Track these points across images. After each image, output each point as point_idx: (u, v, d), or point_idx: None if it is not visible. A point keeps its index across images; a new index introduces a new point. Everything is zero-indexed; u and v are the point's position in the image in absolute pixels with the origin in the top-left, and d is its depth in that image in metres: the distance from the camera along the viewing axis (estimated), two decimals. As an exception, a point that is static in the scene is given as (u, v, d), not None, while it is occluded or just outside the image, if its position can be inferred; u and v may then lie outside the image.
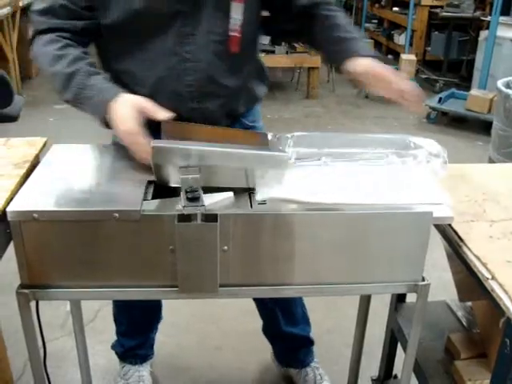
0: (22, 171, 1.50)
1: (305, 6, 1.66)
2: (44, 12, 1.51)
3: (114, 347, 2.26)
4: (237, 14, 1.54)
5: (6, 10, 5.54)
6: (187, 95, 1.59)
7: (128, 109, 1.36)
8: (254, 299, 2.12)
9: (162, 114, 1.37)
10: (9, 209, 1.25)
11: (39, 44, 1.51)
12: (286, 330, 2.17)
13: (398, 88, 1.51)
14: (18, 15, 6.01)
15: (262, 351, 2.41)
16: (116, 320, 2.19)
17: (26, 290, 1.32)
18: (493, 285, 1.25)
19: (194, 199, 1.22)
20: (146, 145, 1.32)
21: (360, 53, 1.55)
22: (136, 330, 2.21)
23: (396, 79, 1.50)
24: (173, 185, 1.33)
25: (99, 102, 1.40)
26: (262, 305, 2.15)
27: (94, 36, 1.57)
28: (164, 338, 2.44)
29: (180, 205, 1.23)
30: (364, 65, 1.53)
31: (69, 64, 1.45)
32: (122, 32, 1.53)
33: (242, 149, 1.34)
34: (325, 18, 1.64)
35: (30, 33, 1.55)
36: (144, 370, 2.27)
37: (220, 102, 1.64)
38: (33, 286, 1.32)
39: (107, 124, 1.41)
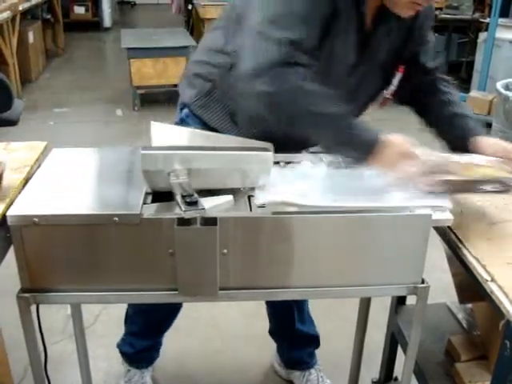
0: (22, 175, 1.50)
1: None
2: (298, 44, 1.39)
3: (120, 347, 2.23)
4: (396, 81, 1.64)
5: (6, 14, 5.55)
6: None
7: (398, 154, 1.39)
8: None
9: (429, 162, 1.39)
10: (9, 213, 1.25)
11: (298, 77, 1.38)
12: (298, 328, 2.19)
13: None
14: (17, 19, 6.03)
15: (264, 355, 2.42)
16: (129, 319, 2.16)
17: (26, 294, 1.32)
18: (492, 287, 1.25)
19: (192, 203, 1.22)
20: (429, 179, 1.37)
21: (479, 132, 1.60)
22: (150, 331, 2.18)
23: None
24: (166, 190, 1.33)
25: (365, 144, 1.41)
26: (279, 303, 2.14)
27: None
28: (165, 342, 2.44)
29: (179, 209, 1.23)
30: (492, 146, 1.54)
31: (333, 104, 1.42)
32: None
33: (226, 150, 1.37)
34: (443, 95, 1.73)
35: (269, 59, 1.37)
36: (147, 376, 2.27)
37: None
38: (33, 289, 1.32)
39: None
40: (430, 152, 1.42)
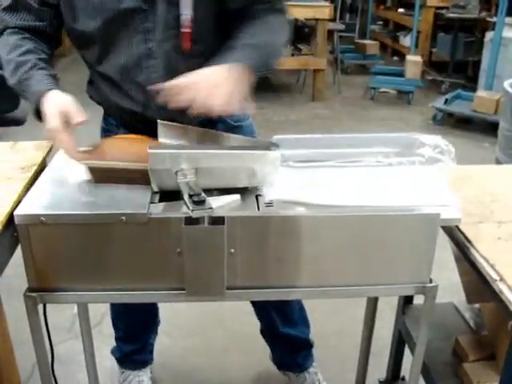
0: (29, 174, 1.50)
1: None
2: (8, 9, 1.55)
3: (112, 353, 2.28)
4: (186, 9, 1.49)
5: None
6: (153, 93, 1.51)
7: (52, 107, 1.38)
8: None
9: (78, 118, 1.36)
10: (16, 212, 1.25)
11: (3, 37, 1.56)
12: (284, 331, 2.14)
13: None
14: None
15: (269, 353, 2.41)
16: (114, 325, 2.20)
17: (33, 294, 1.32)
18: (501, 286, 1.24)
19: (200, 202, 1.22)
20: (69, 142, 1.35)
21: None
22: (133, 335, 2.21)
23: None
24: (173, 189, 1.33)
25: (34, 94, 1.44)
26: (258, 305, 2.14)
27: (54, 41, 1.62)
28: (170, 340, 2.44)
29: (187, 208, 1.23)
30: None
31: (21, 54, 1.50)
32: (91, 37, 1.54)
33: (234, 149, 1.37)
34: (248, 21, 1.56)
35: None
36: (144, 375, 2.28)
37: None
38: (40, 289, 1.32)
39: (39, 116, 1.43)
40: None
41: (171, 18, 1.51)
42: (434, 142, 1.51)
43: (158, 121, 1.48)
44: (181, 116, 1.50)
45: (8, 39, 1.54)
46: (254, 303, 2.13)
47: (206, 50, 1.56)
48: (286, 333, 2.15)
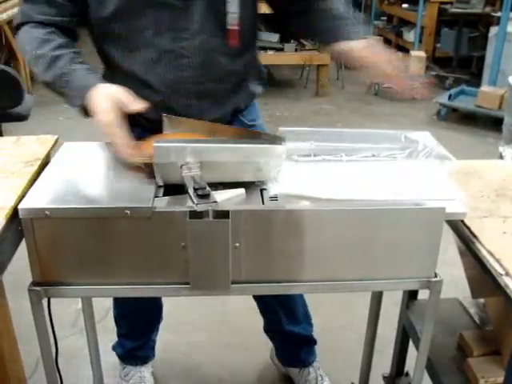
0: (33, 169, 1.50)
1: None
2: (30, 2, 1.52)
3: (114, 348, 2.27)
4: (233, 8, 1.53)
5: (17, 10, 5.56)
6: (184, 92, 1.58)
7: (106, 99, 1.36)
8: (254, 297, 2.12)
9: (136, 106, 1.37)
10: (20, 206, 1.25)
11: (25, 30, 1.52)
12: (288, 328, 2.15)
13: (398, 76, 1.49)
14: (27, 15, 6.03)
15: (272, 348, 2.41)
16: (116, 321, 2.20)
17: (37, 288, 1.32)
18: (506, 281, 1.24)
19: (204, 196, 1.21)
20: (123, 137, 1.34)
21: (351, 35, 1.55)
22: (136, 331, 2.21)
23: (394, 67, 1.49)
24: (178, 183, 1.33)
25: (78, 89, 1.41)
26: (263, 303, 2.14)
27: (74, 37, 1.59)
28: (174, 336, 2.44)
29: (191, 202, 1.23)
30: (358, 48, 1.52)
31: (54, 48, 1.46)
32: (115, 29, 1.53)
33: (239, 143, 1.36)
34: (320, 6, 1.63)
35: (16, 21, 1.56)
36: (145, 371, 2.28)
37: (217, 98, 1.63)
38: (45, 283, 1.32)
39: (85, 112, 1.41)
40: None
41: (212, 17, 1.52)
42: (421, 138, 1.52)
43: (164, 115, 1.48)
44: (199, 112, 1.52)
45: (33, 32, 1.50)
46: (258, 300, 2.13)
47: (245, 47, 1.62)
48: (289, 330, 2.16)
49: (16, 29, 1.56)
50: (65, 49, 1.47)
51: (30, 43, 1.49)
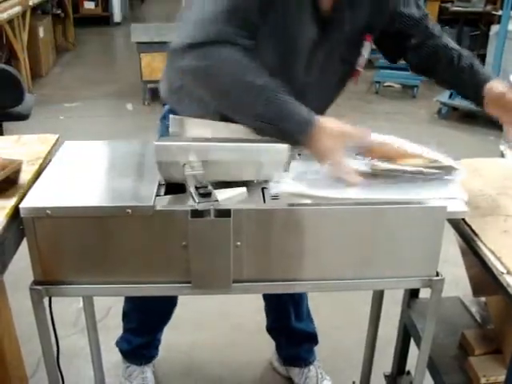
0: (35, 168, 1.50)
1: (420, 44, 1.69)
2: (227, 21, 1.36)
3: (118, 344, 2.25)
4: (367, 51, 1.60)
5: (17, 9, 5.56)
6: None
7: (334, 139, 1.34)
8: (264, 294, 2.11)
9: (368, 139, 1.37)
10: (22, 205, 1.25)
11: (225, 51, 1.35)
12: (295, 325, 2.17)
13: None
14: (28, 14, 6.03)
15: (274, 350, 2.41)
16: (126, 316, 2.18)
17: (39, 287, 1.32)
18: (508, 279, 1.24)
19: (206, 195, 1.21)
20: (352, 170, 1.35)
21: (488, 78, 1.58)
22: (146, 328, 2.20)
23: None
24: (180, 181, 1.33)
25: (299, 123, 1.35)
26: (274, 300, 2.14)
27: None
28: (176, 335, 2.44)
29: (193, 201, 1.23)
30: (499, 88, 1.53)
31: (267, 78, 1.35)
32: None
33: (241, 142, 1.36)
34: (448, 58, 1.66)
35: (201, 37, 1.35)
36: (148, 371, 2.27)
37: None
38: (46, 282, 1.32)
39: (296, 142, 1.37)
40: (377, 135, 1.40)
41: (347, 55, 1.59)
42: None
43: (170, 115, 1.46)
44: None
45: (241, 59, 1.35)
46: (267, 297, 2.13)
47: None
48: (296, 327, 2.17)
49: (201, 45, 1.35)
50: (269, 77, 1.36)
51: (247, 72, 1.35)
